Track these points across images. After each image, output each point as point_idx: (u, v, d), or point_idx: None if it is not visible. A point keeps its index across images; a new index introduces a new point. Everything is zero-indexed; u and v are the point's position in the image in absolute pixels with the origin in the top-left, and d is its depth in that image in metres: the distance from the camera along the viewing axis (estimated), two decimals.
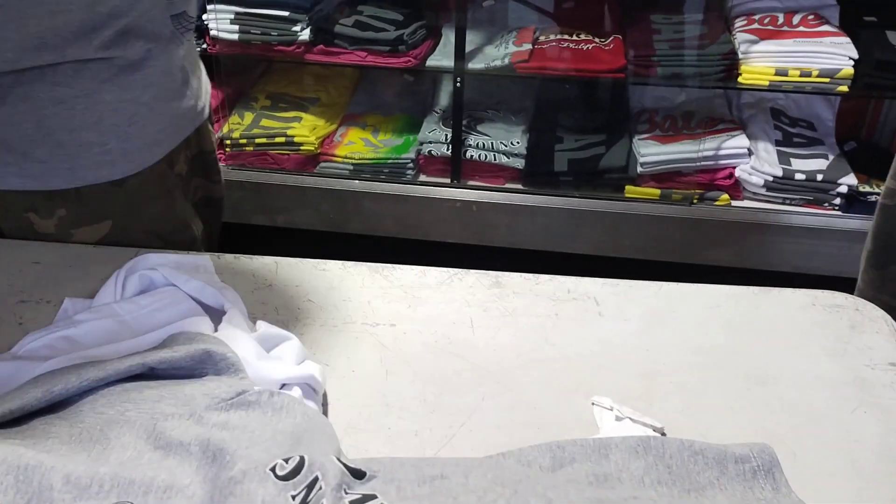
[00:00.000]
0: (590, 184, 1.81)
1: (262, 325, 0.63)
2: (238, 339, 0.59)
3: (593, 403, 0.60)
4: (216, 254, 0.78)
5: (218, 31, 1.76)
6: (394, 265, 0.77)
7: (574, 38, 1.79)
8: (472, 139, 1.84)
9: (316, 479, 0.46)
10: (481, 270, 0.76)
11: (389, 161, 1.87)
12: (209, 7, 1.75)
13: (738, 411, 0.61)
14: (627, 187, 1.80)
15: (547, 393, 0.62)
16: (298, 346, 0.62)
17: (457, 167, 1.86)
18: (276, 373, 0.58)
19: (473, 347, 0.67)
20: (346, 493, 0.46)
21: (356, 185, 1.86)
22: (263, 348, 0.61)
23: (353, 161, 1.87)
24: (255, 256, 0.78)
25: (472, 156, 1.83)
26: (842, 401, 0.62)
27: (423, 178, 1.90)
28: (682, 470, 0.51)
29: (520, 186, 1.85)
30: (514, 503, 0.45)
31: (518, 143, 1.84)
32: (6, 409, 0.50)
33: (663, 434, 0.58)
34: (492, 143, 1.82)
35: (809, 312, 0.72)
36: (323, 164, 1.89)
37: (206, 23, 1.76)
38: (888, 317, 0.72)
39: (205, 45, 1.80)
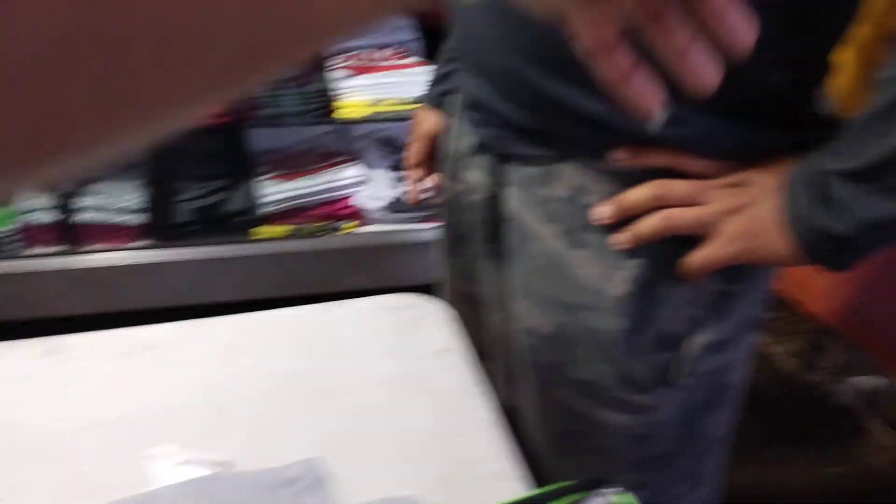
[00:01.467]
0: (217, 230, 1.79)
1: None
2: None
3: (147, 457, 0.58)
4: None
5: None
6: None
7: None
8: (84, 201, 1.71)
9: None
10: (35, 339, 0.70)
11: None
12: None
13: (305, 429, 0.63)
14: (256, 228, 1.80)
15: (104, 457, 0.59)
16: None
17: (70, 233, 1.71)
18: None
19: (25, 427, 0.61)
20: None
21: None
22: None
23: None
24: None
25: (86, 219, 1.70)
26: (397, 394, 0.67)
27: (32, 250, 1.72)
28: None
29: (145, 243, 1.76)
30: None
31: (136, 198, 1.75)
32: None
33: (230, 467, 0.57)
34: (106, 203, 1.71)
35: (375, 317, 0.77)
36: None
37: None
38: (448, 308, 0.80)
39: None
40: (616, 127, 0.60)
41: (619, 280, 0.64)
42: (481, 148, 0.72)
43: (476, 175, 0.73)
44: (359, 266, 1.87)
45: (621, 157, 0.62)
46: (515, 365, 0.76)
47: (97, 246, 1.73)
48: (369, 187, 1.84)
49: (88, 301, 1.74)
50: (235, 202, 1.80)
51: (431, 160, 0.93)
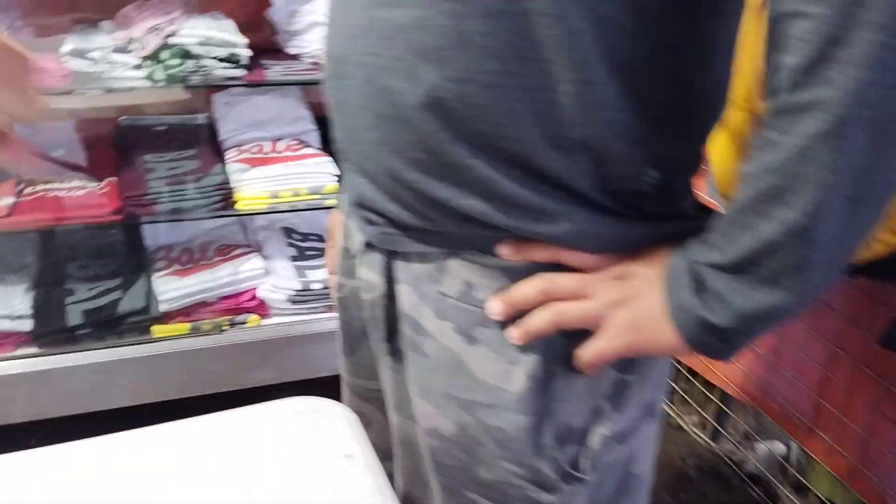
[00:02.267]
0: (113, 332, 1.71)
1: None
2: None
3: None
4: None
5: None
6: None
7: (65, 185, 1.69)
8: None
9: None
10: None
11: None
12: None
13: None
14: (154, 327, 1.73)
15: None
16: None
17: None
18: None
19: None
20: None
21: None
22: None
23: None
24: None
25: None
26: (302, 501, 0.64)
27: None
28: None
29: (33, 350, 1.67)
30: None
31: (21, 303, 1.66)
32: None
33: None
34: None
35: (279, 423, 0.74)
36: None
37: None
38: (347, 411, 0.78)
39: None
40: (498, 224, 0.60)
41: (517, 376, 0.63)
42: (370, 245, 0.71)
43: (368, 273, 0.72)
44: (265, 360, 1.82)
45: (506, 253, 0.62)
46: (419, 466, 0.74)
47: None
48: (271, 278, 1.81)
49: None
50: (131, 301, 1.74)
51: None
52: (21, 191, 1.67)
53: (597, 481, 0.68)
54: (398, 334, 0.72)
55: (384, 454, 0.81)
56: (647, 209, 0.62)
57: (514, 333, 0.63)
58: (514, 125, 0.57)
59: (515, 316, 0.63)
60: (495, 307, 0.63)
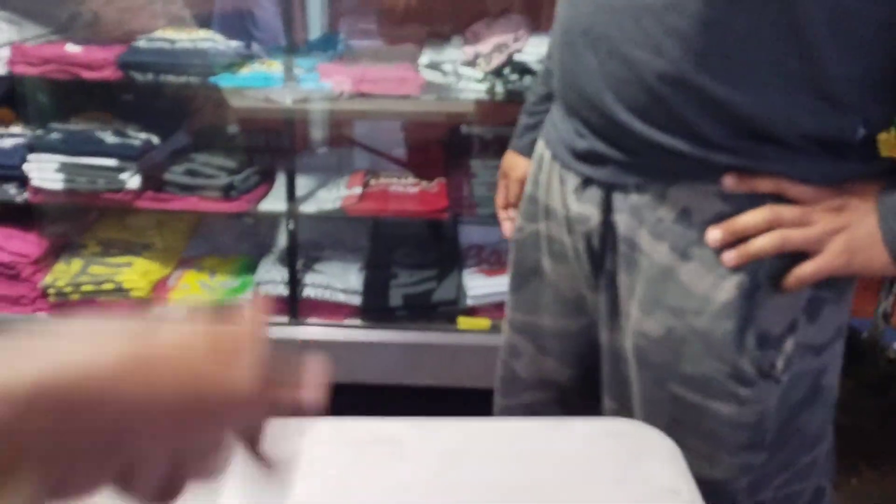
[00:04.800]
0: (425, 317, 1.88)
1: None
2: None
3: None
4: None
5: (41, 179, 1.74)
6: None
7: (402, 181, 1.89)
8: (310, 278, 1.87)
9: None
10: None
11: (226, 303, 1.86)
12: (31, 157, 1.73)
13: None
14: (460, 318, 1.87)
15: None
16: None
17: (294, 306, 1.87)
18: None
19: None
20: None
21: None
22: None
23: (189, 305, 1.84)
24: None
25: (309, 294, 1.86)
26: None
27: None
28: None
29: (358, 322, 1.89)
30: None
31: (354, 280, 1.89)
32: None
33: None
34: (329, 282, 1.86)
35: (596, 441, 0.78)
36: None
37: (27, 172, 1.74)
38: (669, 441, 0.79)
39: (26, 195, 1.77)
40: (723, 164, 0.71)
41: (726, 288, 0.73)
42: (587, 182, 0.82)
43: (584, 206, 0.82)
44: None
45: (731, 184, 0.72)
46: (623, 370, 0.85)
47: (316, 320, 1.88)
48: None
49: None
50: (444, 291, 1.89)
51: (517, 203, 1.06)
52: (367, 182, 1.90)
53: (789, 384, 0.77)
54: (613, 256, 0.82)
55: (526, 385, 1.01)
56: (858, 153, 0.72)
57: (731, 255, 0.72)
58: (747, 91, 0.68)
59: (731, 242, 0.72)
60: (716, 235, 0.73)
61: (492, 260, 1.94)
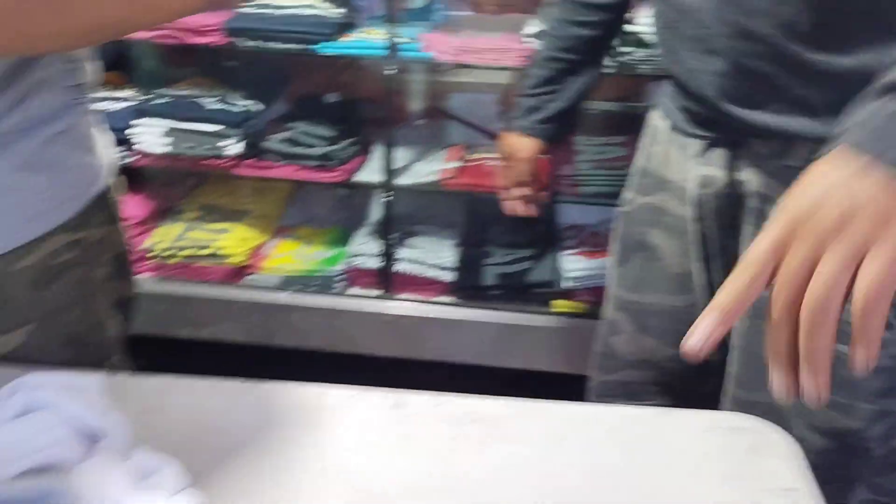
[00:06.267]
0: (518, 298, 1.83)
1: (139, 453, 0.60)
2: (108, 468, 0.56)
3: None
4: (108, 372, 0.75)
5: (147, 143, 1.77)
6: (295, 383, 0.75)
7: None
8: (403, 252, 1.85)
9: None
10: (384, 389, 0.75)
11: (319, 273, 1.86)
12: (139, 121, 1.76)
13: None
14: (555, 301, 1.81)
15: None
16: (178, 474, 0.59)
17: (387, 280, 1.86)
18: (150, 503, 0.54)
19: (365, 476, 0.64)
20: None
21: (284, 297, 1.84)
22: (140, 476, 0.57)
23: (282, 273, 1.86)
24: (149, 376, 0.75)
25: (402, 269, 1.84)
26: None
27: (353, 290, 1.89)
28: None
29: (450, 299, 1.86)
30: None
31: (448, 256, 1.85)
32: None
33: None
34: (422, 257, 1.84)
35: (709, 435, 0.72)
36: (250, 277, 1.87)
37: (132, 136, 1.77)
38: (790, 439, 0.72)
39: (131, 158, 1.81)
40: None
41: None
42: (712, 143, 0.85)
43: (709, 169, 0.85)
44: None
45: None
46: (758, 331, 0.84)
47: (408, 295, 1.86)
48: None
49: (392, 345, 1.86)
50: (538, 273, 1.84)
51: (531, 181, 1.17)
52: (465, 156, 1.86)
53: None
54: (740, 212, 0.84)
55: (626, 363, 1.00)
56: None
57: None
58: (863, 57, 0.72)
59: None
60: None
61: (591, 241, 1.87)
